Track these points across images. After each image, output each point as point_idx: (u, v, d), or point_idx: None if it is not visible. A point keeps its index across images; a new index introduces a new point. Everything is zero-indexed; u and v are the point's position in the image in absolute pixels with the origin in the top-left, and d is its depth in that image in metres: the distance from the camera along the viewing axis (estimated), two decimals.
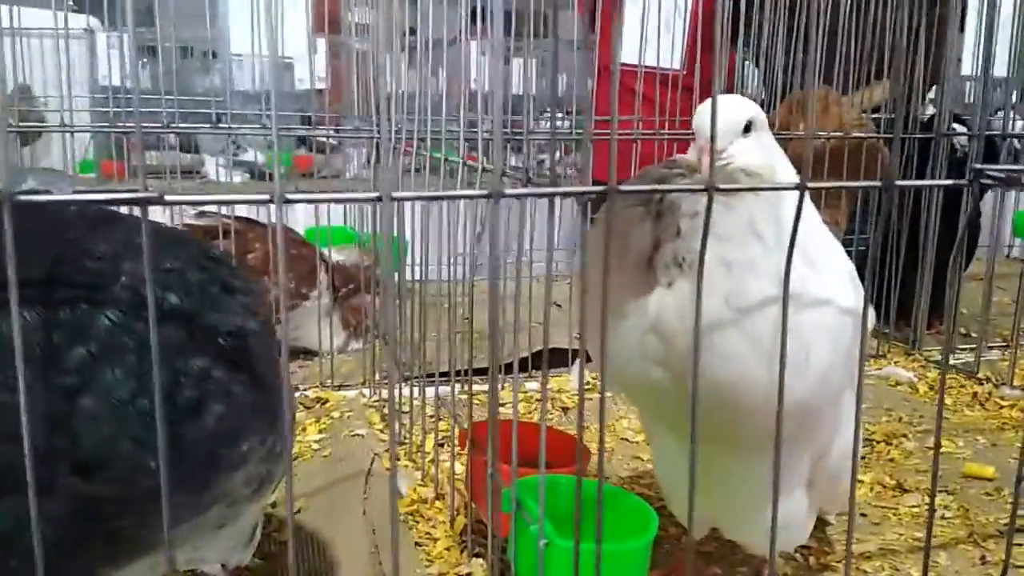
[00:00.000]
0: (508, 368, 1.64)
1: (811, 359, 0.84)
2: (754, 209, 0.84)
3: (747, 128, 0.88)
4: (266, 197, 0.62)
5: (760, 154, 0.89)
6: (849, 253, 2.21)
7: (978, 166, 0.76)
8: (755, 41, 2.14)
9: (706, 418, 0.84)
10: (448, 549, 1.12)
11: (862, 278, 2.06)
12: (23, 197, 0.54)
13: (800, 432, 0.88)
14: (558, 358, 1.80)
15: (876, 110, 2.13)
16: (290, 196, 0.62)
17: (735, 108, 0.88)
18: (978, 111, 1.90)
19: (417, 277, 1.45)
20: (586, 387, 1.78)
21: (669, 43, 2.20)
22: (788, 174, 0.92)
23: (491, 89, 0.65)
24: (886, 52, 2.03)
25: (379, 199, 0.65)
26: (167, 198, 0.58)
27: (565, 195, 0.67)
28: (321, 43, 3.53)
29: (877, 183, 0.76)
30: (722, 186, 0.73)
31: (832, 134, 1.85)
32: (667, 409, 0.94)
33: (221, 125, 1.69)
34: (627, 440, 1.54)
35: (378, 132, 1.39)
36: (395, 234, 1.62)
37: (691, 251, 0.81)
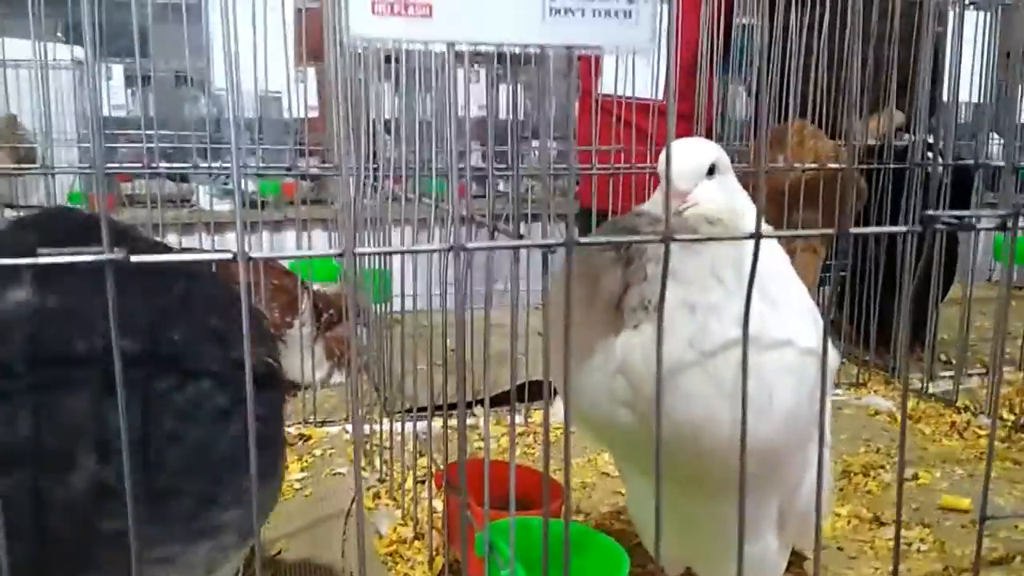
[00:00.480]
0: (493, 401, 1.65)
1: (775, 400, 0.85)
2: (716, 253, 0.86)
3: (711, 171, 0.90)
4: (230, 255, 0.63)
5: (722, 197, 0.91)
6: (828, 278, 2.23)
7: (931, 213, 0.77)
8: (739, 66, 2.18)
9: (672, 460, 0.85)
10: None
11: (841, 305, 2.08)
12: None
13: (767, 473, 0.89)
14: (540, 390, 1.80)
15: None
16: (253, 255, 0.63)
17: (698, 152, 0.90)
18: (949, 141, 1.93)
19: (398, 309, 1.46)
20: (561, 424, 1.80)
21: (650, 73, 2.23)
22: (751, 216, 0.93)
23: (451, 138, 0.67)
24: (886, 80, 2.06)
25: (341, 255, 0.67)
26: (132, 259, 0.60)
27: (525, 247, 0.69)
28: (311, 72, 3.55)
29: (831, 231, 0.78)
30: (678, 237, 0.75)
31: (808, 166, 1.88)
32: (635, 451, 0.95)
33: (202, 165, 1.70)
34: (608, 474, 1.55)
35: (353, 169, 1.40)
36: (376, 267, 1.64)
37: (656, 294, 0.83)
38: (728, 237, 0.81)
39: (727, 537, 0.93)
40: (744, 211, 0.91)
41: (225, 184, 4.24)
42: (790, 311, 0.89)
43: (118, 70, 4.09)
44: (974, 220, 0.83)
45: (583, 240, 0.74)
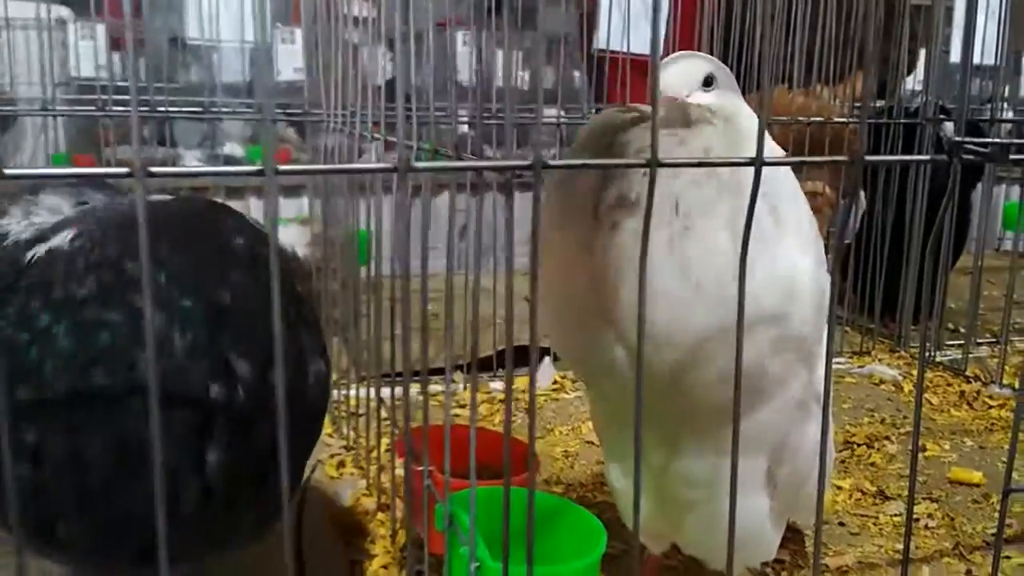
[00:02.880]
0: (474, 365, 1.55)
1: (758, 309, 0.75)
2: (714, 146, 0.76)
3: (708, 82, 0.79)
4: (125, 170, 0.53)
5: (726, 104, 0.81)
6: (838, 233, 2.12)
7: (958, 139, 0.67)
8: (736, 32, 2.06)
9: (649, 378, 0.76)
10: (385, 567, 1.03)
11: (845, 272, 1.99)
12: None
13: (748, 409, 0.79)
14: (525, 356, 1.71)
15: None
16: (152, 169, 0.53)
17: (695, 62, 0.81)
18: (962, 94, 1.80)
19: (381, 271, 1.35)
20: (553, 387, 1.70)
21: (648, 27, 2.11)
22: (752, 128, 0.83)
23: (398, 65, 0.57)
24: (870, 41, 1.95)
25: (261, 173, 0.56)
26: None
27: (483, 170, 0.58)
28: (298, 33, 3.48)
29: (844, 158, 0.68)
30: (667, 160, 0.64)
31: (814, 119, 1.77)
32: (619, 381, 0.85)
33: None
34: (592, 443, 1.45)
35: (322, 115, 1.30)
36: (362, 227, 1.54)
37: (635, 187, 0.74)
38: (723, 162, 0.70)
39: (712, 499, 0.84)
40: (750, 131, 0.80)
41: (212, 149, 4.13)
42: (793, 230, 0.79)
43: (101, 29, 3.96)
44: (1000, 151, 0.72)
45: (553, 163, 0.63)
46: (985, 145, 0.69)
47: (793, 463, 0.89)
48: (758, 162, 0.63)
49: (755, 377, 0.76)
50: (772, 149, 0.84)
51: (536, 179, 0.60)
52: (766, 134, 0.71)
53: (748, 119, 0.79)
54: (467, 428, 1.02)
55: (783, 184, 0.81)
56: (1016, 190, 3.34)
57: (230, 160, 4.01)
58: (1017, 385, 1.69)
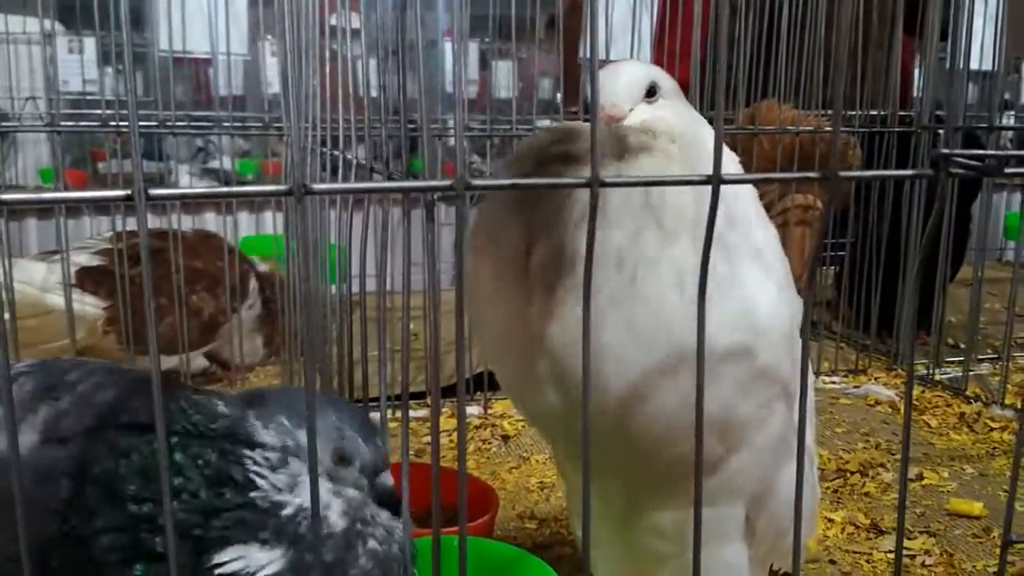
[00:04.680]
0: (450, 391, 1.47)
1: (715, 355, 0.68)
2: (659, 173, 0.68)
3: (652, 92, 0.72)
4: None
5: (670, 119, 0.73)
6: (833, 257, 2.05)
7: (946, 151, 0.59)
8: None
9: (605, 445, 0.69)
10: None
11: (839, 286, 1.90)
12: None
13: (720, 456, 0.72)
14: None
15: None
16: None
17: (635, 69, 0.73)
18: (950, 100, 1.73)
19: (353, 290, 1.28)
20: (513, 418, 1.62)
21: (633, 42, 2.05)
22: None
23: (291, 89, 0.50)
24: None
25: (130, 199, 0.49)
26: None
27: (388, 191, 0.50)
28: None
29: (815, 174, 0.60)
30: (610, 180, 0.56)
31: (802, 128, 1.70)
32: (568, 438, 0.79)
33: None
34: None
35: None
36: (332, 242, 1.46)
37: (569, 243, 0.66)
38: (676, 180, 0.62)
39: (686, 551, 0.76)
40: (706, 138, 0.72)
41: (205, 163, 4.07)
42: (747, 260, 0.71)
43: (90, 43, 3.91)
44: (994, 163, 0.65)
45: (478, 183, 0.55)
46: (979, 157, 0.62)
47: (774, 509, 0.81)
48: (715, 180, 0.55)
49: (722, 422, 0.68)
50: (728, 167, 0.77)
51: (460, 200, 0.53)
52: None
53: (704, 133, 0.72)
54: (420, 467, 0.95)
55: (736, 205, 0.73)
56: (1017, 198, 3.27)
57: (220, 174, 3.96)
58: (1020, 405, 1.61)
